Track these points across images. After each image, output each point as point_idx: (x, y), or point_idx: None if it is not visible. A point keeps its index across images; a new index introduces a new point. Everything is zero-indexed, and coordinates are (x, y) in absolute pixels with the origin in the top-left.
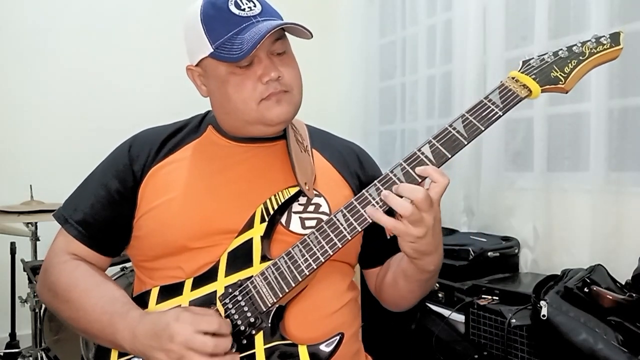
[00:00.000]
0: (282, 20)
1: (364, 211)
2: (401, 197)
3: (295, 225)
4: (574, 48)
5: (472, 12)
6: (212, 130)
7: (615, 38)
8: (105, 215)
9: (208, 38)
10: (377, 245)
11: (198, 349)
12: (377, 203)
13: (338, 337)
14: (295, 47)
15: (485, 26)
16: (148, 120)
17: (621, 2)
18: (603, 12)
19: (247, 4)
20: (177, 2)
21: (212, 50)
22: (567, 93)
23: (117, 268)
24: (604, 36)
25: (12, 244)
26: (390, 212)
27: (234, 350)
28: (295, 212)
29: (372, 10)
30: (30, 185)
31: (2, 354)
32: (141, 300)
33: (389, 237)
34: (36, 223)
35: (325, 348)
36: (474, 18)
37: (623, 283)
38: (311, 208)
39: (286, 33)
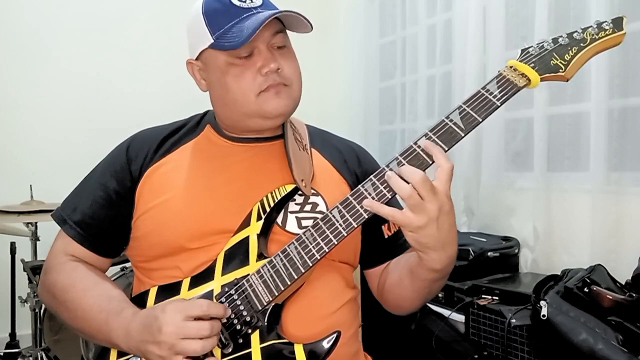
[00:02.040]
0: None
1: (359, 207)
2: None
3: (291, 225)
4: (574, 35)
5: (472, 12)
6: (210, 129)
7: (617, 23)
8: (103, 216)
9: (209, 29)
10: (376, 245)
11: (194, 335)
12: (374, 198)
13: (335, 335)
14: (295, 47)
15: (485, 26)
16: (147, 121)
17: (621, 2)
18: (603, 12)
19: None
20: (176, 3)
21: (212, 40)
22: (567, 81)
23: (117, 268)
24: (606, 21)
25: (12, 244)
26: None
27: (230, 348)
28: (292, 212)
29: (372, 10)
30: (30, 185)
31: (2, 354)
32: (140, 300)
33: (386, 237)
34: (36, 223)
35: (322, 346)
36: (474, 18)
37: (623, 283)
38: (308, 207)
39: (287, 30)
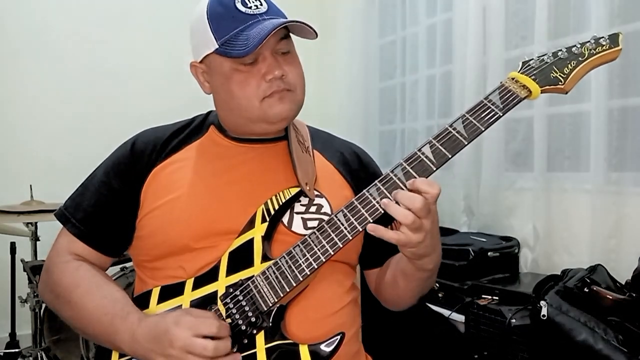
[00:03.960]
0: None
1: (364, 211)
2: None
3: (297, 226)
4: (573, 49)
5: (472, 12)
6: (215, 130)
7: (614, 39)
8: (107, 215)
9: (214, 34)
10: (377, 246)
11: (198, 353)
12: (378, 203)
13: (339, 337)
14: (295, 48)
15: (485, 26)
16: (148, 121)
17: (621, 2)
18: (603, 12)
19: (253, 2)
20: (177, 3)
21: (217, 46)
22: (566, 94)
23: (117, 268)
24: (603, 37)
25: (12, 244)
26: (386, 215)
27: (234, 350)
28: (297, 213)
29: (372, 10)
30: (30, 185)
31: (2, 354)
32: (142, 300)
33: None
34: (36, 223)
35: (326, 348)
36: (474, 18)
37: (623, 283)
38: (313, 209)
39: (290, 34)
